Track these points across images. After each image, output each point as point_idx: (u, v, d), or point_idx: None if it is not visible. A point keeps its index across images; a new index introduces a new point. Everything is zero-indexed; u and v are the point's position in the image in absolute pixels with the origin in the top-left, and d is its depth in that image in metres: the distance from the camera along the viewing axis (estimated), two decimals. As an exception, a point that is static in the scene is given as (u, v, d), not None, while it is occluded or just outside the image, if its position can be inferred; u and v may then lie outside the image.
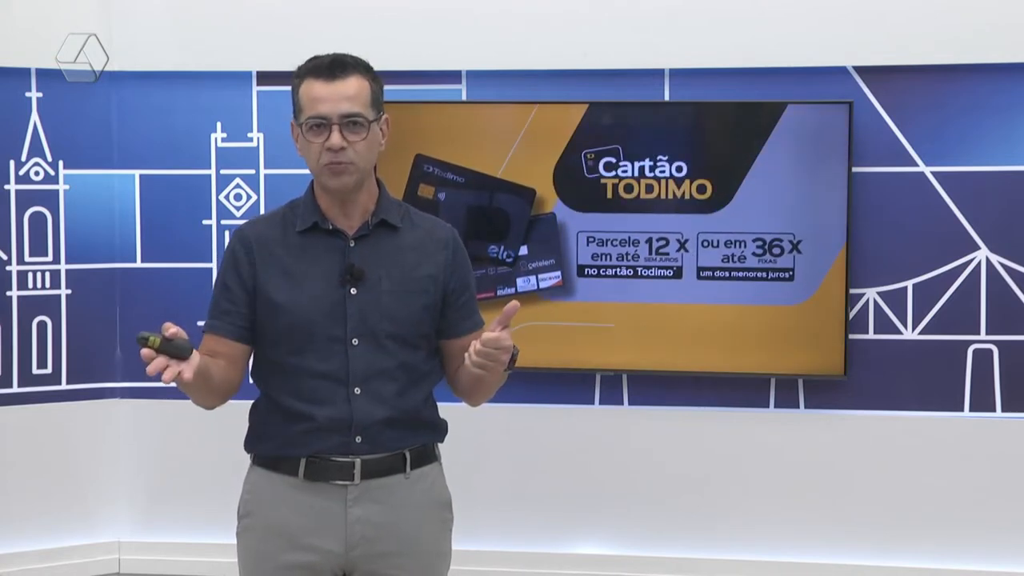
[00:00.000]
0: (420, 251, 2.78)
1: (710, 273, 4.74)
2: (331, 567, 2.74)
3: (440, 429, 2.86)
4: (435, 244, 2.80)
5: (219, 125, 5.05)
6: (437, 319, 2.80)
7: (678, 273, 4.75)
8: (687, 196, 4.73)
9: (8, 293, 4.98)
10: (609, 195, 4.77)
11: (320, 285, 2.72)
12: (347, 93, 2.68)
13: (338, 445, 2.70)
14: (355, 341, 2.70)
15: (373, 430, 2.71)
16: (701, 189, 4.72)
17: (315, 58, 2.73)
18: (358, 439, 2.71)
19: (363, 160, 2.70)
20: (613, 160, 4.76)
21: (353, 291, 2.71)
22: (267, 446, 2.77)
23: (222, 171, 5.06)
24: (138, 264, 5.09)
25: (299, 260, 2.74)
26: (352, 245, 2.74)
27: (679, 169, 4.73)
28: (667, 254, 4.75)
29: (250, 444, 2.82)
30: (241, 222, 5.03)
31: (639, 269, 4.78)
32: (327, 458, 2.72)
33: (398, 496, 2.75)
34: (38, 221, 5.01)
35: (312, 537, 2.72)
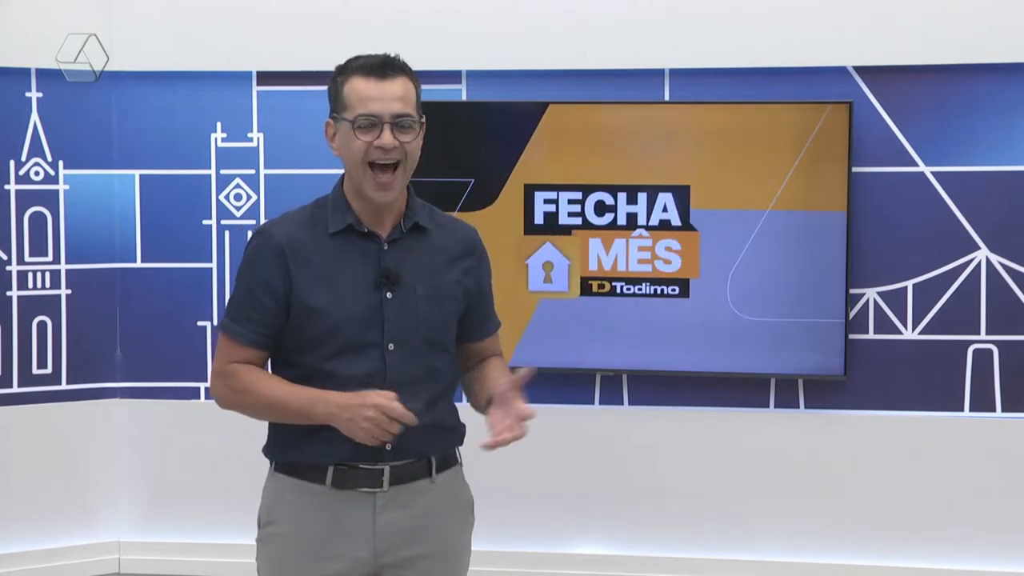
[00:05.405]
0: (449, 254, 2.76)
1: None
2: (358, 574, 2.71)
3: (461, 432, 2.85)
4: (461, 247, 2.79)
5: (219, 125, 5.05)
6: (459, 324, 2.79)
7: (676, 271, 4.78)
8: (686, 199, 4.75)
9: (8, 293, 4.98)
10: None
11: (356, 289, 2.68)
12: (397, 93, 2.66)
13: (368, 452, 2.65)
14: (391, 346, 2.67)
15: (405, 436, 2.64)
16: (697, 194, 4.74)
17: (362, 56, 2.70)
18: (388, 446, 2.66)
19: (410, 160, 2.68)
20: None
21: (389, 295, 2.68)
22: (292, 454, 2.73)
23: (222, 171, 5.05)
24: (138, 264, 5.08)
25: (333, 263, 2.69)
26: (386, 248, 2.71)
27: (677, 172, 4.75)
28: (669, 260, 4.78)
29: (272, 451, 2.78)
30: (240, 222, 5.10)
31: (638, 267, 4.80)
32: (355, 466, 2.68)
33: (425, 501, 2.74)
34: (38, 221, 5.01)
35: (340, 545, 2.70)
